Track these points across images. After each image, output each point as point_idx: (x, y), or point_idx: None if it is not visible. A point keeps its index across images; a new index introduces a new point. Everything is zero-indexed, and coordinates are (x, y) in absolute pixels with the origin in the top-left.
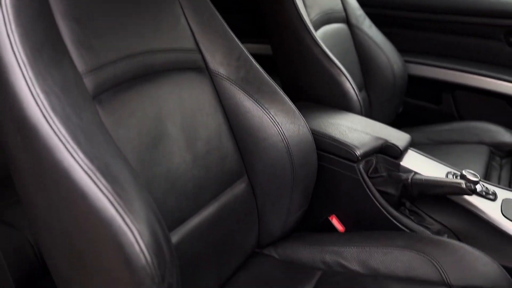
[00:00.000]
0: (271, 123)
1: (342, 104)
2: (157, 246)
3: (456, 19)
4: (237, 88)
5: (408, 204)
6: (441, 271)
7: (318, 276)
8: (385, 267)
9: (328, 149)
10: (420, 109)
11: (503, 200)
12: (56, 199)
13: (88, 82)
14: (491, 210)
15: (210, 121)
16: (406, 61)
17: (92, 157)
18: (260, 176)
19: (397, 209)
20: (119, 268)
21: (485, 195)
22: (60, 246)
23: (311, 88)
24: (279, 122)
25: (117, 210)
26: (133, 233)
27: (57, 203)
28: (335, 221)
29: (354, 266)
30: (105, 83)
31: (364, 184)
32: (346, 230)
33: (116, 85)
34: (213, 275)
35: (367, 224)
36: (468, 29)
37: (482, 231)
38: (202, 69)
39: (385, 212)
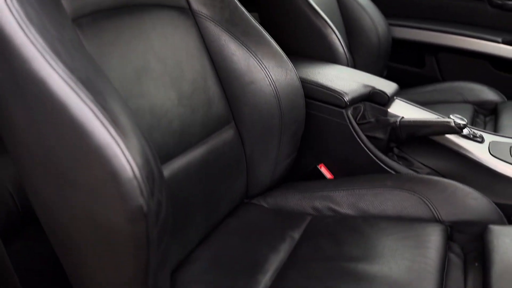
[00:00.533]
0: (258, 66)
1: (329, 57)
2: (145, 160)
3: None
4: (222, 29)
5: (396, 150)
6: (431, 208)
7: (308, 221)
8: (375, 207)
9: (315, 96)
10: (403, 73)
11: (490, 142)
12: (35, 114)
13: (66, 4)
14: (479, 151)
15: (195, 62)
16: (390, 25)
17: (72, 68)
18: (248, 122)
19: (385, 155)
20: (105, 182)
21: (473, 137)
22: (41, 167)
23: (296, 42)
24: (266, 65)
25: (101, 121)
26: (119, 144)
27: (36, 118)
28: (323, 169)
29: (344, 209)
30: (84, 8)
31: (352, 130)
32: (334, 178)
33: (96, 12)
34: (201, 221)
35: (356, 170)
36: None
37: (471, 171)
38: (185, 9)
39: (373, 157)
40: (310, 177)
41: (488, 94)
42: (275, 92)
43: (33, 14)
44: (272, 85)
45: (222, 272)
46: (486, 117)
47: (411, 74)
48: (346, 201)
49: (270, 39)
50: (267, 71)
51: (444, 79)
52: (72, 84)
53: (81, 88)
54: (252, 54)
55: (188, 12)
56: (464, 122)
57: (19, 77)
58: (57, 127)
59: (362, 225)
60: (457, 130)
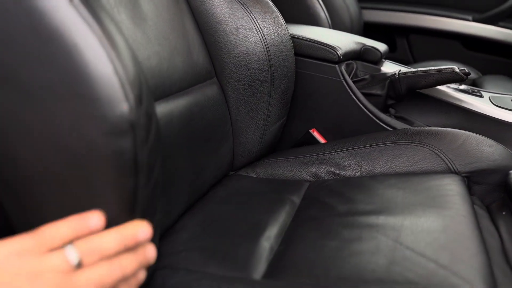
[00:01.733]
0: (243, 11)
1: (310, 21)
2: (129, 55)
3: None
4: None
5: (392, 111)
6: (445, 159)
7: (307, 187)
8: (382, 165)
9: (305, 52)
10: None
11: (489, 97)
12: None
13: None
14: (481, 104)
15: (170, 3)
16: (361, 8)
17: None
18: (233, 77)
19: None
20: (74, 78)
21: (472, 93)
22: None
23: (276, 6)
24: (252, 11)
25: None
26: (94, 31)
27: None
28: (316, 134)
29: (347, 171)
30: None
31: (346, 86)
32: (328, 142)
33: None
34: (184, 185)
35: (353, 133)
36: None
37: (477, 124)
38: None
39: (371, 116)
40: (302, 145)
41: None
42: (263, 41)
43: None
44: (259, 33)
45: (217, 238)
46: None
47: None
48: (348, 162)
49: None
50: (253, 16)
51: (416, 61)
52: None
53: None
54: None
55: None
56: (466, 70)
57: None
58: (4, 12)
59: (370, 183)
60: (462, 76)
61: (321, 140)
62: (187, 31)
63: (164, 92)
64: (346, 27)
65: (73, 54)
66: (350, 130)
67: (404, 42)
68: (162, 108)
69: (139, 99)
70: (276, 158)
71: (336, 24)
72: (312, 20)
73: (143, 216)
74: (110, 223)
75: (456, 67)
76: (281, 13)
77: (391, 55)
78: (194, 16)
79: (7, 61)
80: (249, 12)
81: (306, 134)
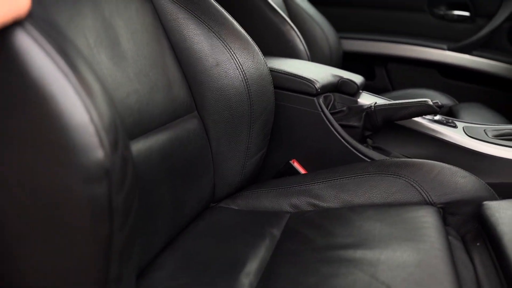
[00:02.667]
0: (223, 47)
1: (289, 54)
2: (105, 101)
3: None
4: (180, 6)
5: (370, 141)
6: (421, 191)
7: (287, 219)
8: (360, 196)
9: (284, 85)
10: None
11: (463, 127)
12: None
13: None
14: (455, 134)
15: (152, 39)
16: (340, 38)
17: None
18: (213, 111)
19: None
20: (50, 127)
21: (446, 123)
22: None
23: (255, 39)
24: (231, 47)
25: (43, 48)
26: (70, 79)
27: None
28: (297, 165)
29: (326, 202)
30: None
31: (325, 118)
32: (308, 172)
33: None
34: (164, 221)
35: (331, 163)
36: (394, 3)
37: (451, 154)
38: None
39: (349, 147)
40: (282, 175)
41: (441, 98)
42: (242, 76)
43: None
44: (239, 68)
45: (196, 276)
46: None
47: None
48: (327, 193)
49: (233, 21)
50: (232, 52)
51: (394, 89)
52: None
53: None
54: (216, 34)
55: None
56: (439, 103)
57: None
58: None
59: (349, 215)
60: (435, 109)
61: (301, 170)
62: (168, 67)
63: (143, 129)
64: (326, 56)
65: (49, 104)
66: (329, 160)
67: (383, 71)
68: (141, 145)
69: (114, 144)
70: (257, 189)
71: (316, 53)
72: (292, 52)
73: (120, 259)
74: (86, 267)
75: (430, 100)
76: (262, 46)
77: (370, 83)
78: (174, 52)
79: None
80: (229, 48)
81: (287, 165)
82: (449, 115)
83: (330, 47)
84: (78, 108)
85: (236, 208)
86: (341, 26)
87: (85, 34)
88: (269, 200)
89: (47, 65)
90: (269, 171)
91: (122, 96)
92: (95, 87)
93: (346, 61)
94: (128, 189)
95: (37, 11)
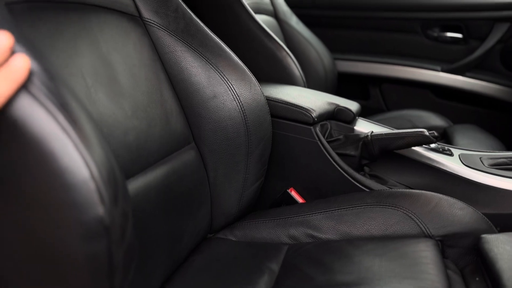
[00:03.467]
0: (220, 78)
1: (285, 80)
2: (105, 156)
3: (376, 15)
4: (177, 39)
5: (367, 169)
6: (419, 223)
7: (285, 251)
8: (358, 228)
9: (281, 114)
10: None
11: (459, 154)
12: None
13: None
14: (452, 163)
15: (149, 73)
16: (334, 59)
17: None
18: (211, 142)
19: (358, 173)
20: (51, 185)
21: (442, 151)
22: None
23: (250, 66)
24: (228, 78)
25: (43, 104)
26: (69, 134)
27: None
28: (294, 194)
29: (324, 234)
30: None
31: (322, 147)
32: (307, 202)
33: (31, 1)
34: (162, 257)
35: (329, 192)
36: (388, 25)
37: (448, 184)
38: (135, 17)
39: (346, 176)
40: (280, 204)
41: (435, 120)
42: (239, 107)
43: None
44: (236, 99)
45: None
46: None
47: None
48: (325, 224)
49: (230, 52)
50: (229, 84)
51: (389, 109)
52: None
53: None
54: (213, 66)
55: (138, 20)
56: (436, 133)
57: None
58: None
59: (348, 249)
60: (432, 139)
61: (299, 199)
62: (165, 100)
63: (142, 166)
64: (321, 78)
65: (50, 162)
66: (327, 189)
67: (377, 91)
68: (140, 182)
69: (114, 199)
70: (255, 219)
71: (311, 75)
72: (288, 78)
73: None
74: None
75: (426, 131)
76: (258, 72)
77: (365, 103)
78: (172, 84)
79: None
80: (226, 79)
81: (284, 194)
82: (444, 136)
83: (325, 68)
84: (78, 165)
85: (234, 239)
86: (335, 47)
87: (83, 74)
88: (267, 231)
89: (47, 122)
90: (266, 199)
91: (120, 134)
92: (95, 139)
93: (341, 82)
94: (128, 243)
95: (34, 60)
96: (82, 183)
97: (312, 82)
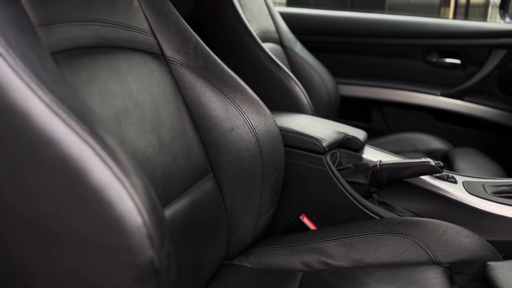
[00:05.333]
0: (237, 112)
1: (294, 109)
2: (152, 202)
3: (378, 41)
4: (197, 76)
5: (375, 196)
6: (428, 250)
7: (300, 278)
8: (370, 255)
9: (293, 143)
10: None
11: (463, 182)
12: (12, 153)
13: (43, 37)
14: (456, 191)
15: (172, 109)
16: (337, 83)
17: (62, 97)
18: (228, 172)
19: (367, 200)
20: (106, 232)
21: (447, 178)
22: (14, 217)
23: (260, 95)
24: (245, 111)
25: (101, 158)
26: (124, 184)
27: (15, 158)
28: (306, 220)
29: (337, 261)
30: (59, 43)
31: (332, 176)
32: (318, 228)
33: (72, 49)
34: (185, 285)
35: (339, 219)
36: (389, 50)
37: (453, 211)
38: (158, 55)
39: (357, 203)
40: (292, 231)
41: (436, 143)
42: (255, 138)
43: (12, 37)
44: (252, 131)
45: None
46: None
47: (360, 129)
48: (338, 251)
49: (246, 86)
50: (246, 117)
51: (390, 132)
52: (64, 115)
53: (74, 119)
54: (230, 101)
55: (161, 58)
56: (441, 163)
57: None
58: (44, 168)
59: (360, 276)
60: (438, 169)
61: (311, 226)
62: (187, 133)
63: (168, 199)
64: (325, 102)
65: (107, 209)
66: (337, 216)
67: (379, 114)
68: (166, 216)
69: (162, 243)
70: (269, 246)
71: (315, 100)
72: (297, 106)
73: None
74: None
75: (432, 161)
76: (269, 101)
77: (367, 126)
78: (192, 118)
79: (43, 211)
80: (243, 112)
81: (296, 220)
82: (445, 160)
83: (329, 92)
84: (132, 212)
85: (250, 266)
86: (338, 72)
87: (117, 115)
88: (282, 258)
89: (105, 173)
90: (279, 225)
91: (149, 170)
92: (143, 185)
93: (344, 105)
94: (172, 283)
95: (87, 111)
96: (136, 229)
97: (317, 106)
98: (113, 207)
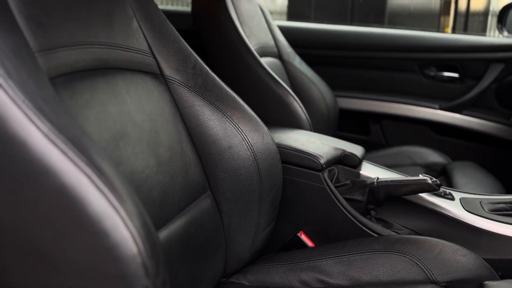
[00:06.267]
0: (235, 130)
1: (292, 123)
2: (147, 230)
3: (376, 55)
4: (196, 94)
5: (373, 212)
6: (424, 269)
7: None
8: (367, 274)
9: (291, 160)
10: (351, 141)
11: (460, 198)
12: (11, 182)
13: (42, 62)
14: (453, 208)
15: (171, 128)
16: (336, 96)
17: (59, 126)
18: (225, 190)
19: (364, 217)
20: (102, 261)
21: (444, 195)
22: (14, 246)
23: (259, 110)
24: (242, 129)
25: (97, 187)
26: (119, 213)
27: (13, 186)
28: (304, 237)
29: (335, 279)
30: (58, 67)
31: (330, 193)
32: (316, 245)
33: (70, 73)
34: None
35: (337, 236)
36: (387, 64)
37: (450, 229)
38: (157, 75)
39: (354, 220)
40: (290, 247)
41: (435, 156)
42: (253, 156)
43: (11, 67)
44: (250, 149)
45: None
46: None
47: (358, 142)
48: (336, 269)
49: (244, 104)
50: (244, 135)
51: (389, 145)
52: (61, 145)
53: (72, 149)
54: (228, 119)
55: (160, 78)
56: (438, 181)
57: None
58: (42, 197)
59: None
60: (435, 187)
61: (309, 243)
62: (185, 152)
63: (165, 219)
64: (323, 115)
65: (103, 238)
66: (335, 232)
67: (377, 127)
68: (162, 236)
69: (156, 271)
70: (266, 264)
71: (314, 113)
72: (295, 122)
73: None
74: None
75: (429, 179)
76: (267, 116)
77: (365, 138)
78: (190, 136)
79: (42, 239)
80: (240, 130)
81: (294, 237)
82: (443, 174)
83: (327, 105)
84: (127, 241)
85: (247, 283)
86: (336, 85)
87: (115, 137)
88: (279, 275)
89: (101, 202)
90: (276, 242)
91: (147, 191)
92: (138, 213)
93: (342, 118)
94: None
95: (83, 138)
96: (131, 257)
97: (315, 119)
98: (109, 236)
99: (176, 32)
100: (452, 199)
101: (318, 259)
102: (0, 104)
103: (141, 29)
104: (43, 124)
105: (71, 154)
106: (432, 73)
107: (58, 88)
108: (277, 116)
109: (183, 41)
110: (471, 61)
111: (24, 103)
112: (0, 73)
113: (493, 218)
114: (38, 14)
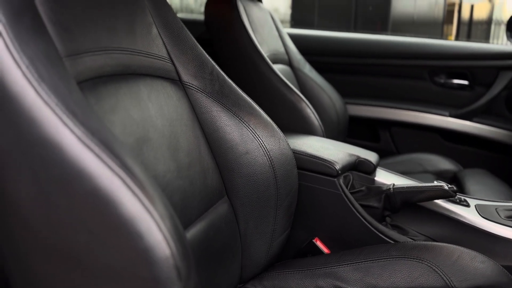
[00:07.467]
0: (252, 136)
1: (305, 130)
2: (179, 233)
3: (385, 62)
4: (213, 100)
5: (388, 219)
6: (443, 276)
7: None
8: (385, 280)
9: (306, 166)
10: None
11: (475, 205)
12: (45, 184)
13: (69, 67)
14: (469, 214)
15: (189, 133)
16: (346, 103)
17: (92, 129)
18: (242, 195)
19: (380, 223)
20: (135, 263)
21: (460, 202)
22: (45, 248)
23: (272, 116)
24: (259, 135)
25: (131, 189)
26: (153, 216)
27: (46, 189)
28: (319, 243)
29: (352, 286)
30: (84, 72)
31: (346, 199)
32: (331, 252)
33: (95, 77)
34: None
35: (353, 242)
36: (397, 71)
37: (467, 235)
38: (176, 81)
39: (370, 227)
40: (305, 254)
41: (446, 164)
42: (269, 162)
43: (44, 70)
44: (266, 154)
45: None
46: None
47: (368, 149)
48: (353, 276)
49: (260, 109)
50: (260, 140)
51: (399, 152)
52: (95, 148)
53: (105, 151)
54: (245, 124)
55: (178, 84)
56: (455, 188)
57: (26, 143)
58: (75, 200)
59: None
60: (451, 193)
61: (324, 249)
62: (203, 157)
63: (186, 224)
64: (333, 122)
65: (136, 241)
66: (350, 239)
67: (387, 134)
68: None
69: (188, 274)
70: (283, 270)
71: (325, 120)
72: (308, 128)
73: None
74: None
75: (446, 185)
76: (281, 123)
77: (375, 146)
78: (207, 142)
79: (74, 242)
80: (257, 136)
81: (310, 243)
82: (454, 181)
83: (337, 112)
84: (161, 244)
85: None
86: (346, 92)
87: (139, 142)
88: (295, 282)
89: (134, 204)
90: (292, 248)
91: (168, 195)
92: (170, 217)
93: (352, 125)
94: None
95: (115, 143)
96: (164, 260)
97: (326, 126)
98: (142, 238)
99: (193, 39)
100: (468, 205)
101: (335, 266)
102: (34, 107)
103: (160, 35)
104: (77, 127)
105: (104, 157)
106: (442, 81)
107: (84, 93)
108: (290, 122)
109: (200, 47)
110: (480, 68)
111: (57, 106)
112: (34, 76)
113: (509, 224)
114: (66, 20)
